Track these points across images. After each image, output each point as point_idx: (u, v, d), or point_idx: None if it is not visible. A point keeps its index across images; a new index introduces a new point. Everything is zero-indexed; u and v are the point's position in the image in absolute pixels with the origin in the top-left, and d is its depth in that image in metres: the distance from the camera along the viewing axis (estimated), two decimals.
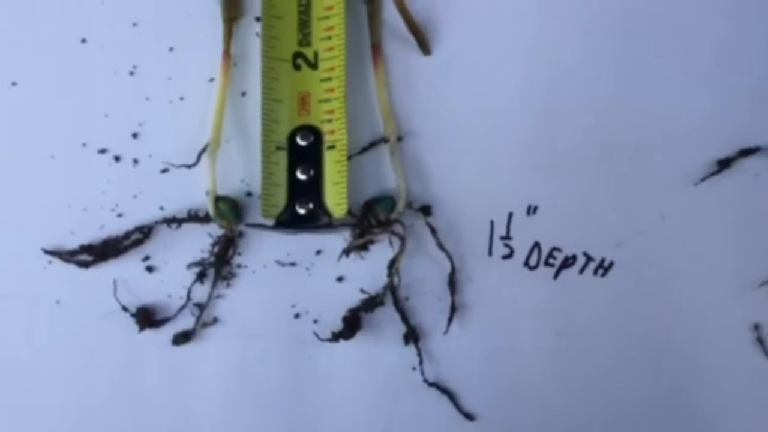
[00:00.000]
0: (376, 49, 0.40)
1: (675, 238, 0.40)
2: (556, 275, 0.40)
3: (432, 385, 0.40)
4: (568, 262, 0.40)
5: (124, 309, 0.40)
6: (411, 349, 0.40)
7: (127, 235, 0.40)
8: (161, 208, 0.40)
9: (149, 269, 0.40)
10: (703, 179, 0.40)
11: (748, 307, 0.40)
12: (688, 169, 0.40)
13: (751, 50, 0.41)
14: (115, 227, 0.40)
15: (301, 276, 0.40)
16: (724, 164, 0.40)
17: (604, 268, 0.40)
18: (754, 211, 0.40)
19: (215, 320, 0.40)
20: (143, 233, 0.40)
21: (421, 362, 0.40)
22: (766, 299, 0.40)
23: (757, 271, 0.40)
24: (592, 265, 0.40)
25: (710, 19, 0.41)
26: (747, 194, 0.40)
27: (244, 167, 0.40)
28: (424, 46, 0.40)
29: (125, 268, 0.40)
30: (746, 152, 0.40)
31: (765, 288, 0.40)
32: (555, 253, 0.40)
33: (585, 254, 0.40)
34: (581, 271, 0.40)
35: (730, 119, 0.40)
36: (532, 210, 0.40)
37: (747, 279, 0.40)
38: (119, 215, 0.40)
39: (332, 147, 0.39)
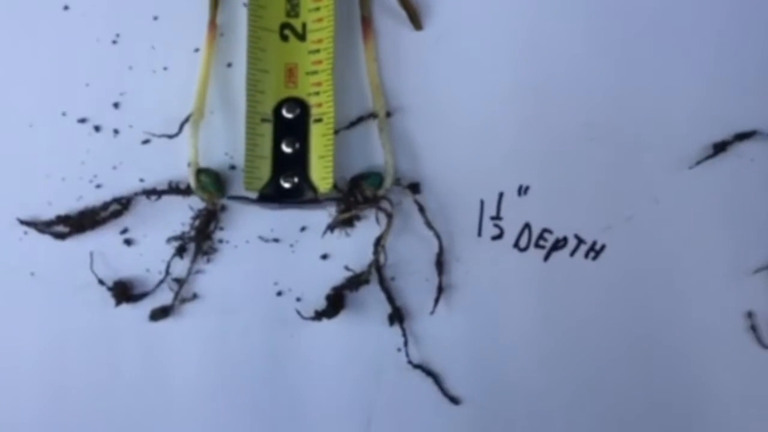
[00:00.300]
0: (366, 21, 0.39)
1: (668, 223, 0.39)
2: (546, 257, 0.39)
3: (417, 367, 0.39)
4: (559, 244, 0.39)
5: (101, 282, 0.39)
6: (396, 329, 0.39)
7: (105, 206, 0.39)
8: (141, 180, 0.39)
9: (127, 242, 0.39)
10: (698, 163, 0.39)
11: (741, 294, 0.39)
12: (682, 152, 0.39)
13: (748, 31, 0.40)
14: (94, 198, 0.39)
15: (284, 252, 0.39)
16: (719, 148, 0.39)
17: (595, 251, 0.39)
18: (749, 197, 0.39)
19: (195, 296, 0.39)
20: (122, 205, 0.39)
21: (406, 343, 0.39)
22: (760, 286, 0.39)
23: (752, 257, 0.39)
24: (584, 248, 0.39)
25: (705, 0, 0.40)
26: (742, 179, 0.39)
27: (228, 139, 0.39)
28: (416, 20, 0.39)
29: (103, 240, 0.39)
30: (742, 136, 0.39)
31: (759, 275, 0.39)
32: (546, 235, 0.39)
33: (576, 237, 0.39)
34: (572, 253, 0.39)
35: (726, 102, 0.40)
36: (523, 190, 0.39)
37: (741, 265, 0.39)
38: (98, 186, 0.39)
39: (319, 120, 0.38)
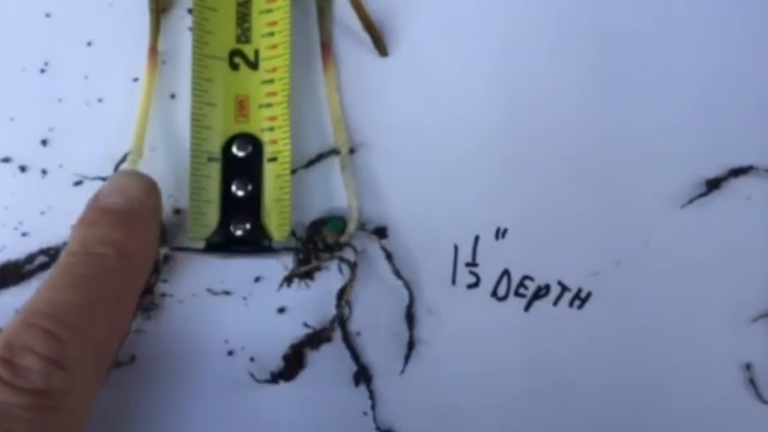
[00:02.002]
0: (326, 48, 0.36)
1: (659, 267, 0.36)
2: (527, 307, 0.36)
3: None
4: (541, 292, 0.36)
5: None
6: (362, 391, 0.35)
7: (31, 258, 0.35)
8: (73, 227, 0.35)
9: None
10: (690, 201, 0.36)
11: (739, 345, 0.36)
12: (673, 190, 0.37)
13: (742, 61, 0.37)
14: (19, 248, 0.35)
15: (236, 306, 0.35)
16: (712, 185, 0.36)
17: (580, 299, 0.36)
18: (745, 238, 0.37)
19: (133, 359, 0.35)
20: (50, 256, 0.35)
21: (373, 406, 0.35)
22: (758, 336, 0.36)
23: (749, 304, 0.36)
24: (568, 296, 0.36)
25: (697, 28, 0.38)
26: (738, 218, 0.37)
27: (171, 180, 0.35)
28: (381, 46, 0.36)
29: (29, 296, 0.34)
30: (737, 172, 0.37)
31: (757, 323, 0.36)
32: (526, 282, 0.36)
33: (560, 283, 0.36)
34: (555, 302, 0.36)
35: (720, 135, 0.37)
36: (500, 233, 0.36)
37: (738, 313, 0.36)
38: (24, 234, 0.35)
39: (274, 159, 0.34)
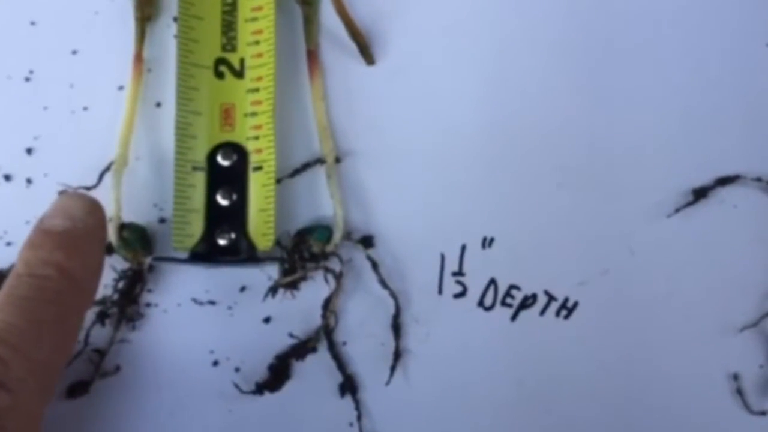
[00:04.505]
0: (312, 56, 0.35)
1: (646, 276, 0.36)
2: (514, 317, 0.36)
3: None
4: (528, 301, 0.36)
5: None
6: (348, 401, 0.35)
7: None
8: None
9: None
10: (677, 210, 0.36)
11: (726, 354, 0.36)
12: (660, 199, 0.36)
13: (729, 69, 0.37)
14: (3, 258, 0.34)
15: (221, 316, 0.35)
16: (699, 194, 0.36)
17: (567, 308, 0.36)
18: (732, 247, 0.36)
19: (118, 369, 0.35)
20: None
21: (359, 417, 0.35)
22: (746, 345, 0.36)
23: (737, 313, 0.36)
24: (555, 306, 0.36)
25: (684, 36, 0.37)
26: (725, 227, 0.36)
27: (156, 190, 0.35)
28: (367, 54, 0.36)
29: None
30: (724, 181, 0.36)
31: (745, 333, 0.36)
32: (513, 292, 0.36)
33: (546, 293, 0.36)
34: (542, 312, 0.36)
35: (707, 144, 0.37)
36: (487, 242, 0.36)
37: (725, 322, 0.36)
38: (8, 244, 0.35)
39: (259, 168, 0.34)
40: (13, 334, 0.27)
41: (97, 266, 0.31)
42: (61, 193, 0.33)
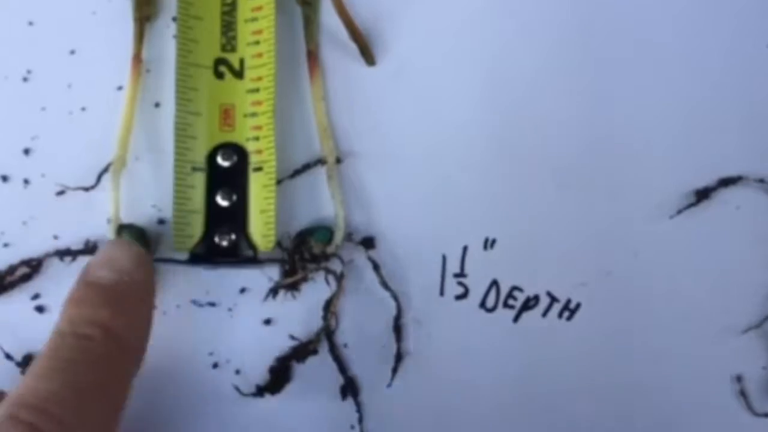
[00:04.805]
0: (313, 56, 0.35)
1: (648, 278, 0.36)
2: (516, 318, 0.36)
3: None
4: (530, 303, 0.36)
5: (8, 357, 0.34)
6: (349, 404, 0.35)
7: (12, 269, 0.34)
8: (55, 237, 0.34)
9: (39, 309, 0.34)
10: (680, 212, 0.36)
11: (729, 356, 0.36)
12: (662, 200, 0.36)
13: (732, 68, 0.37)
14: (1, 260, 0.34)
15: (221, 318, 0.35)
16: (702, 195, 0.36)
17: (570, 310, 0.36)
18: (735, 248, 0.36)
19: None
20: (32, 267, 0.34)
21: (360, 420, 0.35)
22: (749, 347, 0.36)
23: (740, 315, 0.36)
24: (557, 307, 0.36)
25: (686, 37, 0.37)
26: (728, 228, 0.36)
27: (155, 191, 0.35)
28: (368, 55, 0.35)
29: (10, 308, 0.34)
30: (727, 181, 0.36)
31: (748, 334, 0.36)
32: (515, 293, 0.36)
33: (549, 294, 0.36)
34: (544, 313, 0.36)
35: (709, 144, 0.36)
36: (489, 243, 0.36)
37: (728, 324, 0.36)
38: (5, 245, 0.34)
39: (259, 169, 0.34)
40: (54, 403, 0.25)
41: (145, 325, 0.29)
42: (110, 242, 0.31)
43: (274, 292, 0.34)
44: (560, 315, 0.36)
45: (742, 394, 0.36)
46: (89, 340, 0.27)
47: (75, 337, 0.27)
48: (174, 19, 0.35)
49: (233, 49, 0.34)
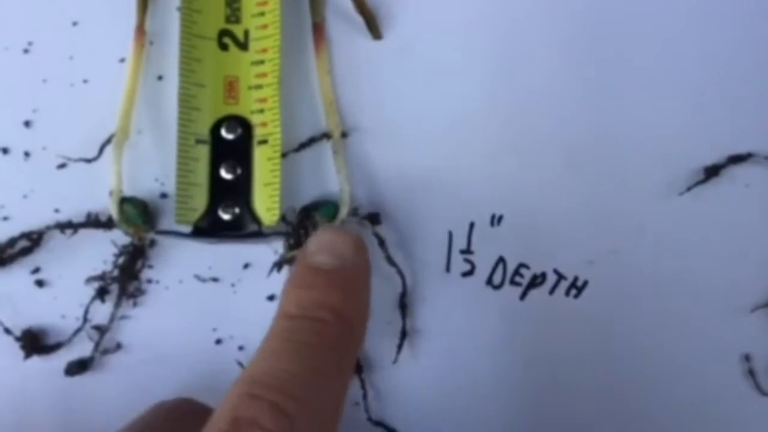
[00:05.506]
0: (319, 29, 0.35)
1: (656, 255, 0.35)
2: (523, 295, 0.35)
3: (378, 424, 0.34)
4: (537, 280, 0.35)
5: (7, 331, 0.34)
6: (354, 381, 0.34)
7: (13, 242, 0.33)
8: (56, 211, 0.34)
9: (39, 283, 0.34)
10: (689, 189, 0.35)
11: (738, 335, 0.35)
12: (671, 177, 0.36)
13: (740, 46, 0.37)
14: (1, 232, 0.34)
15: (224, 293, 0.34)
16: (711, 172, 0.35)
17: (577, 288, 0.35)
18: (744, 226, 0.36)
19: (118, 346, 0.34)
20: (32, 240, 0.34)
21: (365, 397, 0.34)
22: (758, 326, 0.35)
23: (749, 293, 0.35)
24: (564, 285, 0.35)
25: (695, 15, 0.37)
26: (737, 206, 0.36)
27: (158, 163, 0.34)
28: (374, 29, 0.35)
29: (10, 281, 0.34)
30: (736, 159, 0.36)
31: (757, 313, 0.35)
32: (522, 270, 0.35)
33: (556, 272, 0.35)
34: (551, 291, 0.35)
35: (719, 121, 0.36)
36: (496, 220, 0.35)
37: (737, 302, 0.35)
38: (5, 218, 0.34)
39: (264, 142, 0.33)
40: (296, 384, 0.25)
41: (367, 309, 0.29)
42: (326, 228, 0.30)
43: (278, 266, 0.33)
44: (567, 293, 0.35)
45: (751, 373, 0.35)
46: (323, 324, 0.27)
47: (307, 320, 0.27)
48: None
49: (237, 21, 0.34)
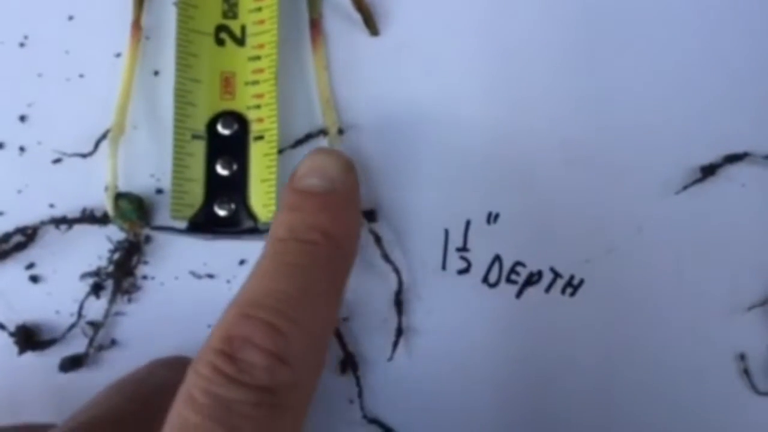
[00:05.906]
0: (316, 25, 0.35)
1: (653, 254, 0.35)
2: (519, 294, 0.35)
3: (373, 421, 0.34)
4: (533, 278, 0.35)
5: (1, 327, 0.34)
6: (349, 378, 0.34)
7: (7, 237, 0.33)
8: (51, 206, 0.34)
9: (33, 279, 0.34)
10: (685, 188, 0.35)
11: (733, 334, 0.35)
12: (667, 176, 0.36)
13: (737, 44, 0.37)
14: None
15: (220, 290, 0.34)
16: (708, 171, 0.35)
17: (573, 286, 0.35)
18: (740, 225, 0.36)
19: (113, 342, 0.34)
20: (27, 235, 0.33)
21: (360, 394, 0.34)
22: (753, 325, 0.35)
23: (745, 292, 0.35)
24: (560, 283, 0.35)
25: (693, 12, 0.37)
26: (733, 206, 0.36)
27: (154, 159, 0.34)
28: (371, 25, 0.35)
29: (4, 277, 0.34)
30: (733, 158, 0.36)
31: (753, 312, 0.35)
32: (518, 269, 0.35)
33: (552, 270, 0.35)
34: (547, 289, 0.35)
35: (715, 121, 0.36)
36: (492, 218, 0.35)
37: (733, 302, 0.35)
38: (0, 213, 0.34)
39: (260, 138, 0.33)
40: (289, 304, 0.25)
41: (356, 229, 0.29)
42: (316, 150, 0.30)
43: None
44: (563, 291, 0.35)
45: (746, 372, 0.35)
46: (313, 245, 0.27)
47: (298, 242, 0.27)
48: None
49: (235, 16, 0.34)
